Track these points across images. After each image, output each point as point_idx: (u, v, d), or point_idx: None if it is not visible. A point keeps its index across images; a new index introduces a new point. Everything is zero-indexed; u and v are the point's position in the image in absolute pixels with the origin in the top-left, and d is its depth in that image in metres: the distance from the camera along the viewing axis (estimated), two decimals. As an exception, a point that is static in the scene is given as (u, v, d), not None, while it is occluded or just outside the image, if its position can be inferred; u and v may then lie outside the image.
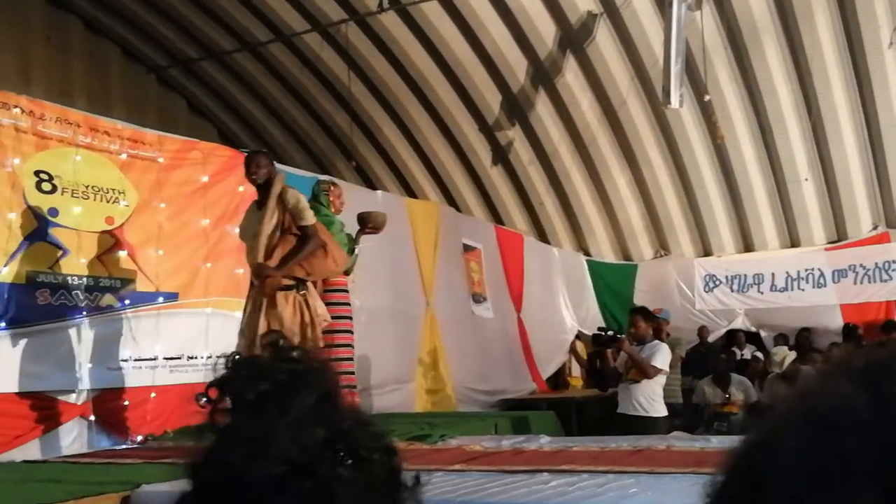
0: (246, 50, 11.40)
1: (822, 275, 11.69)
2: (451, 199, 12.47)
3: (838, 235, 11.74)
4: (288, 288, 4.73)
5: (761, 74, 10.33)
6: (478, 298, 9.90)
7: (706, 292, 12.39)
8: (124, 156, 5.88)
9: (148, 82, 11.87)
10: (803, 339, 10.83)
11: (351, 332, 5.68)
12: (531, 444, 5.18)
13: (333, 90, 11.73)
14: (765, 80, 10.37)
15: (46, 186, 5.39)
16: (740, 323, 12.09)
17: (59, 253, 5.39)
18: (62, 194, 5.47)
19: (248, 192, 5.41)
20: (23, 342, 5.09)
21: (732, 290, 12.28)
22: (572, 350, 11.89)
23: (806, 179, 11.17)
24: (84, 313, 5.45)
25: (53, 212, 5.39)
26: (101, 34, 11.12)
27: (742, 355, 10.96)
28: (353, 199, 6.49)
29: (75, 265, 5.46)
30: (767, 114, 10.72)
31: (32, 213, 5.28)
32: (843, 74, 10.16)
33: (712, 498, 0.57)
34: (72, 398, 5.32)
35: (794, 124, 10.73)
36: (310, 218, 4.84)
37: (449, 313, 9.08)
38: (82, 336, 5.42)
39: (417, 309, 8.62)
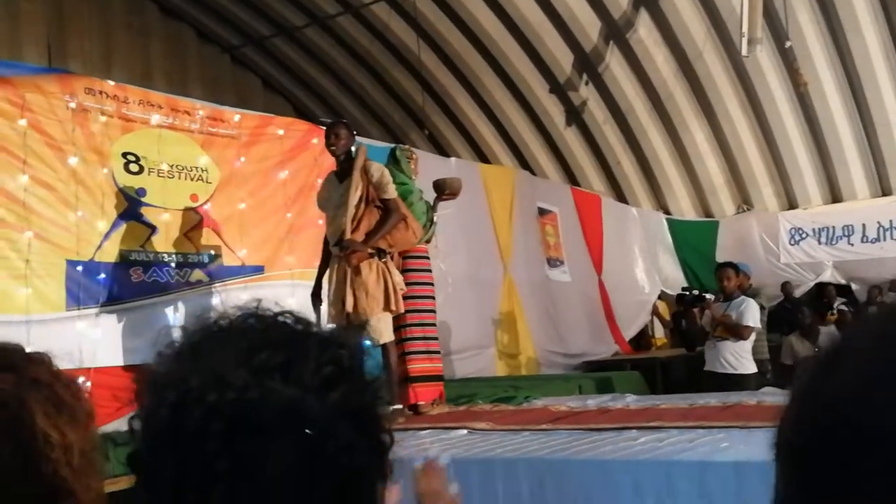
0: (316, 24, 11.49)
1: (917, 224, 11.22)
2: (525, 163, 12.37)
3: (934, 181, 11.23)
4: (370, 256, 4.87)
5: (845, 14, 9.86)
6: (553, 262, 9.83)
7: (791, 245, 12.03)
8: (204, 134, 6.03)
9: (223, 62, 12.12)
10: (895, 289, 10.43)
11: (433, 298, 5.73)
12: (617, 402, 5.17)
13: (404, 60, 11.74)
14: (849, 21, 9.90)
15: (134, 168, 5.57)
16: (829, 276, 11.70)
17: (150, 231, 5.58)
18: (149, 174, 5.64)
19: (326, 162, 5.47)
20: (120, 318, 5.30)
21: (820, 243, 11.89)
22: (654, 310, 11.75)
23: (897, 123, 10.68)
24: (176, 289, 5.65)
25: (142, 192, 5.57)
26: (176, 17, 11.39)
27: (833, 309, 10.63)
28: (426, 166, 6.49)
29: (165, 243, 5.65)
30: (853, 56, 10.24)
31: (123, 194, 5.47)
32: (935, 10, 9.64)
33: (800, 446, 0.50)
34: (168, 371, 5.52)
35: (883, 65, 10.24)
36: (392, 192, 4.98)
37: (527, 278, 9.07)
38: (175, 311, 5.61)
39: (495, 274, 8.63)
